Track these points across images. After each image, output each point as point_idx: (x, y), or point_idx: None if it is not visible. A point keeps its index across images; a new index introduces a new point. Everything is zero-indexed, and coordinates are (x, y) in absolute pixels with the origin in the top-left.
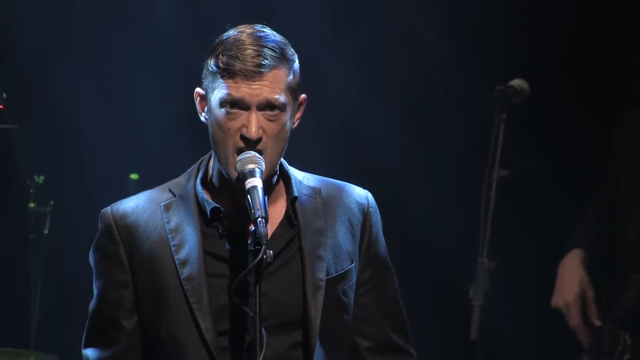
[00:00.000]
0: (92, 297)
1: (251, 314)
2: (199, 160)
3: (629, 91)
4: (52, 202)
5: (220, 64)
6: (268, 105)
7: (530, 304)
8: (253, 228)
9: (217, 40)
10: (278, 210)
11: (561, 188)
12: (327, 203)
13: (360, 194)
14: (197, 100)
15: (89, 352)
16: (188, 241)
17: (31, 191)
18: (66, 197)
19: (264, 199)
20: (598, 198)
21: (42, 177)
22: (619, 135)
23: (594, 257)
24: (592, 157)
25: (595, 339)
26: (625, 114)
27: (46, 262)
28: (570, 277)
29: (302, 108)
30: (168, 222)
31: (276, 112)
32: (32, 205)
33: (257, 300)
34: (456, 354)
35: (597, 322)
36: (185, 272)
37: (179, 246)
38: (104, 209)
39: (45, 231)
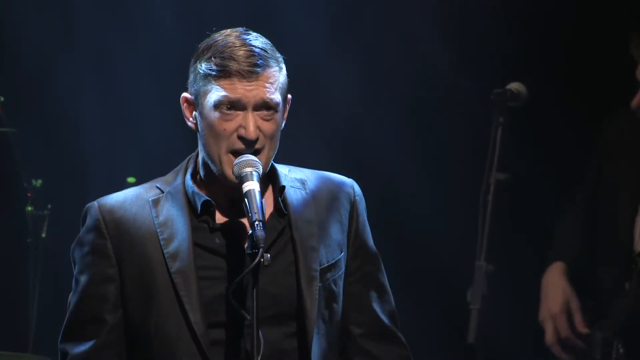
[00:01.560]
0: (73, 292)
1: (249, 317)
2: (187, 158)
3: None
4: (49, 206)
5: (214, 66)
6: (264, 105)
7: (527, 307)
8: (250, 231)
9: (203, 44)
10: (267, 203)
11: (560, 191)
12: (314, 193)
13: (345, 182)
14: (184, 106)
15: (67, 346)
16: (177, 235)
17: (29, 194)
18: (64, 201)
19: (261, 203)
20: (576, 207)
21: (39, 181)
22: (605, 138)
23: (577, 268)
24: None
25: (584, 348)
26: (612, 115)
27: (44, 266)
28: (553, 290)
29: (287, 108)
30: (157, 216)
31: (271, 111)
32: (29, 208)
33: (254, 304)
34: (454, 357)
35: (585, 330)
36: (175, 266)
37: (169, 240)
38: (90, 203)
39: (43, 235)
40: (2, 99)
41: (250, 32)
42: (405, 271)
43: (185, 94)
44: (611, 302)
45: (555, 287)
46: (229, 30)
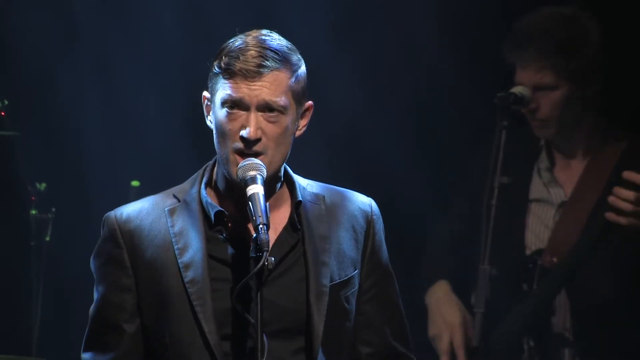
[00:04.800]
0: (93, 302)
1: (252, 321)
2: (204, 166)
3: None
4: (53, 209)
5: (222, 65)
6: (267, 107)
7: None
8: (255, 235)
9: (224, 44)
10: (282, 216)
11: None
12: (330, 210)
13: (364, 201)
14: (204, 103)
15: (88, 356)
16: (192, 245)
17: (32, 198)
18: (68, 204)
19: (265, 206)
20: (448, 224)
21: (43, 184)
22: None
23: (456, 285)
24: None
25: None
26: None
27: (47, 269)
28: (448, 304)
29: (308, 115)
30: (172, 226)
31: (275, 113)
32: (33, 212)
33: (259, 307)
34: None
35: (475, 344)
36: (189, 275)
37: (183, 250)
38: (107, 213)
39: (47, 238)
40: (6, 102)
41: (273, 34)
42: (407, 275)
43: (205, 92)
44: (509, 305)
45: (449, 302)
46: (252, 31)
